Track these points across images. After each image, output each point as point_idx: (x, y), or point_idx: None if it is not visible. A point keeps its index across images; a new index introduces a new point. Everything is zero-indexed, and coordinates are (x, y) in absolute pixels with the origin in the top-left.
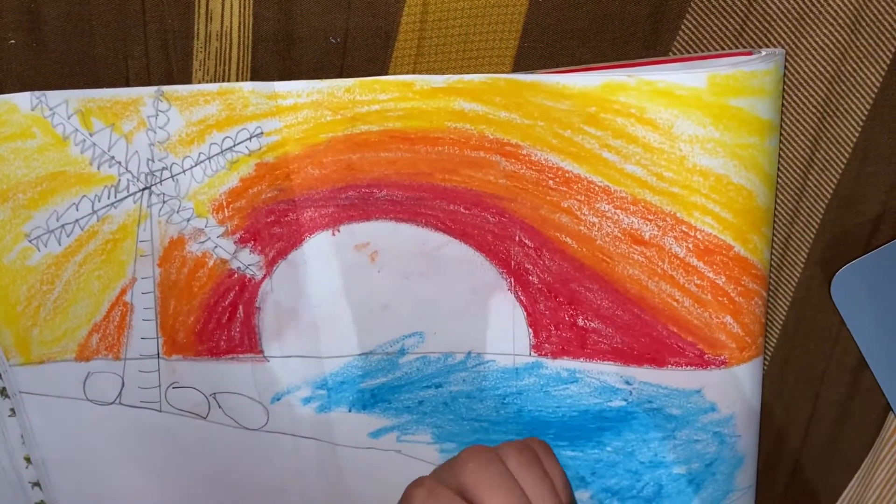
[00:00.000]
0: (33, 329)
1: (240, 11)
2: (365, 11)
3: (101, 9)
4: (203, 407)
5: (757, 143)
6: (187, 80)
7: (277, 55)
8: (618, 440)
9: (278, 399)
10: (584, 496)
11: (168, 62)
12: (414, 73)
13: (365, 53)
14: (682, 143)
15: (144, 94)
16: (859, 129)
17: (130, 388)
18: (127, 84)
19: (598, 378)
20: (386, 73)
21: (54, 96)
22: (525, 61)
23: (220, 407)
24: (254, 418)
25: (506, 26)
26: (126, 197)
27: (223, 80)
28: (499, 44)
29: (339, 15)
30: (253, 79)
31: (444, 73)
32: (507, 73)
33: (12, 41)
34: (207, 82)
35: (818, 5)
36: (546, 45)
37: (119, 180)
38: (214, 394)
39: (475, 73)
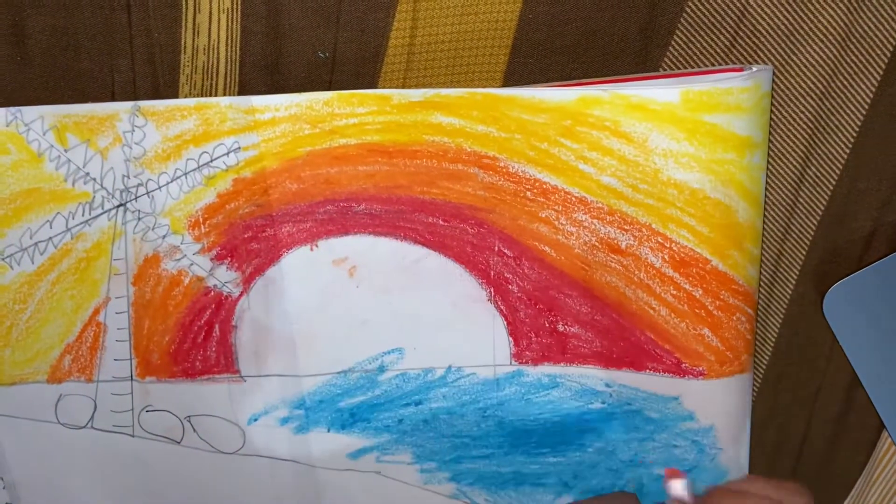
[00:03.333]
0: (5, 349)
1: (227, 26)
2: (354, 27)
3: (86, 22)
4: (177, 431)
5: (735, 159)
6: (174, 94)
7: (265, 70)
8: (599, 441)
9: (255, 420)
10: (567, 500)
11: (155, 76)
12: (403, 88)
13: (353, 69)
14: (656, 156)
15: (120, 109)
16: (850, 145)
17: (103, 412)
18: (112, 98)
19: (578, 381)
20: (375, 88)
21: (30, 112)
22: (515, 77)
23: (194, 430)
24: (230, 441)
25: (495, 42)
26: (100, 214)
27: (211, 95)
28: (488, 59)
29: (328, 30)
30: (241, 93)
31: (433, 89)
32: (496, 86)
33: None
34: (195, 95)
35: (808, 22)
36: (536, 61)
37: (94, 197)
38: (189, 416)
39: (466, 87)
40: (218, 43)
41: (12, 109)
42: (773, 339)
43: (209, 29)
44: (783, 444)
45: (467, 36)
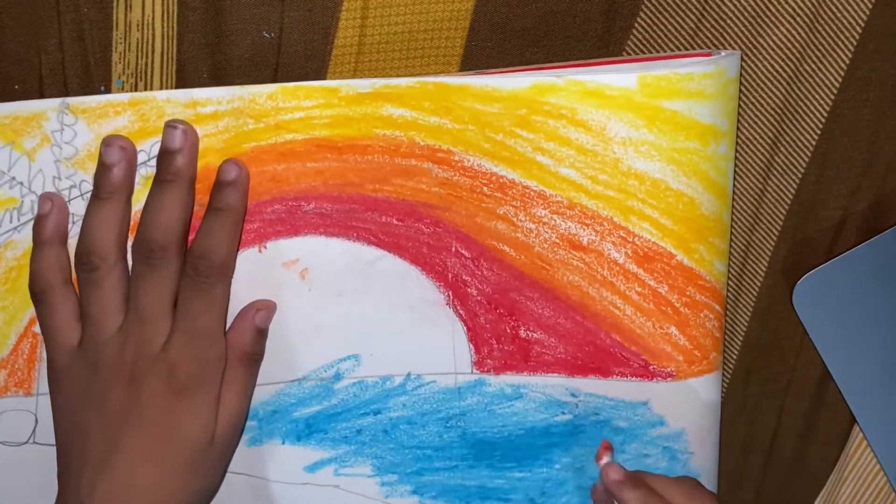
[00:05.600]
0: None
1: (162, 1)
2: (301, 5)
3: (9, 0)
4: None
5: (698, 148)
6: (107, 74)
7: (206, 48)
8: (566, 456)
9: None
10: None
11: (85, 55)
12: (355, 71)
13: (302, 49)
14: (615, 144)
15: (48, 107)
16: (819, 131)
17: (45, 425)
18: (40, 81)
19: (542, 392)
20: (325, 71)
21: None
22: (473, 62)
23: None
24: None
25: (452, 24)
26: (31, 219)
27: (147, 74)
28: (445, 42)
29: (273, 7)
30: (180, 73)
31: (387, 73)
32: (456, 72)
33: None
34: (129, 76)
35: (775, 3)
36: (494, 45)
37: (22, 202)
38: None
39: (421, 73)
40: (153, 18)
41: None
42: (743, 334)
43: (142, 3)
44: (754, 441)
45: (423, 18)
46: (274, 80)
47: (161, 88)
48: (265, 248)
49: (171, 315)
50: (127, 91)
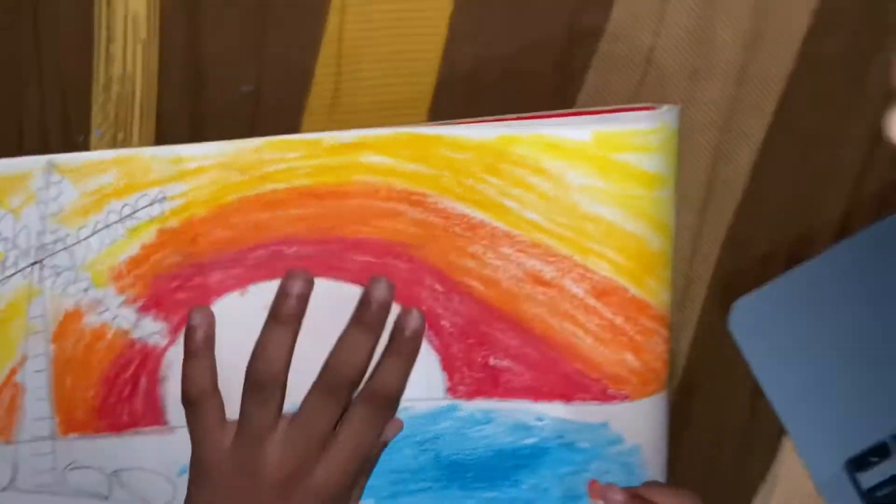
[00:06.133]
0: None
1: (143, 57)
2: (278, 61)
3: None
4: (104, 486)
5: (644, 194)
6: (86, 124)
7: (185, 101)
8: (532, 477)
9: (186, 472)
10: None
11: (65, 107)
12: (329, 121)
13: (279, 101)
14: (573, 191)
15: (33, 167)
16: (748, 173)
17: (25, 473)
18: (20, 133)
19: (511, 416)
20: (300, 121)
21: None
22: (440, 114)
23: (122, 486)
24: (160, 494)
25: (420, 79)
26: (14, 273)
27: (127, 125)
28: (415, 95)
29: (252, 63)
30: (159, 124)
31: (360, 122)
32: (425, 121)
33: None
34: (108, 126)
35: (708, 62)
36: (461, 95)
37: (6, 257)
38: (117, 471)
39: (392, 122)
40: (134, 73)
41: None
42: (686, 354)
43: (124, 58)
44: (696, 454)
45: (393, 72)
46: (251, 131)
47: (140, 139)
48: (247, 291)
49: (325, 437)
50: (106, 141)
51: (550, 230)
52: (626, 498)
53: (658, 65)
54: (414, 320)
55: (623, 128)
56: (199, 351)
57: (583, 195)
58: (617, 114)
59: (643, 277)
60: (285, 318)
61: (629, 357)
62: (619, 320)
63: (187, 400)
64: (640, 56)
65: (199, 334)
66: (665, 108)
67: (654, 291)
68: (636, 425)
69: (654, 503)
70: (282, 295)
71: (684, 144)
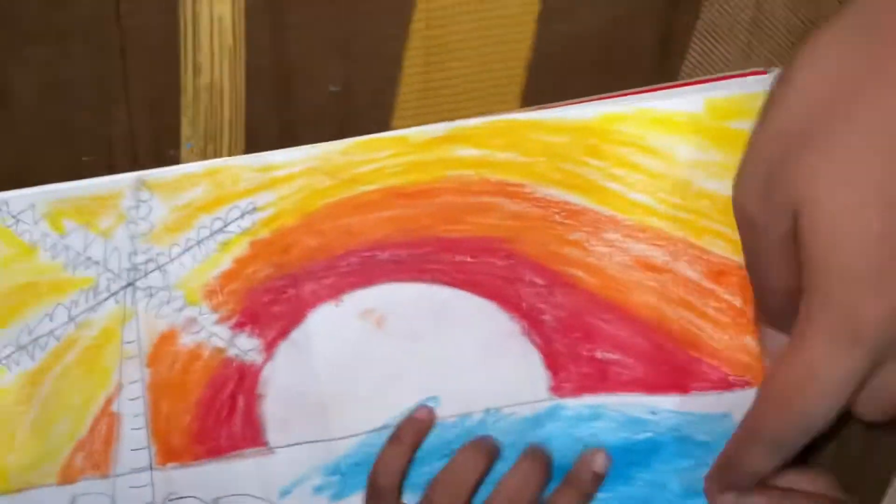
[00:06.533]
0: (8, 456)
1: (230, 63)
2: (365, 57)
3: (78, 73)
4: None
5: None
6: (176, 139)
7: (274, 107)
8: (647, 473)
9: (288, 493)
10: None
11: (153, 123)
12: (418, 115)
13: (367, 100)
14: (684, 167)
15: (123, 185)
16: None
17: None
18: (110, 151)
19: (621, 411)
20: (391, 118)
21: (18, 201)
22: (533, 97)
23: None
24: None
25: (511, 63)
26: (107, 298)
27: (217, 136)
28: (505, 80)
29: (339, 62)
30: (249, 133)
31: (450, 115)
32: (519, 108)
33: None
34: (198, 139)
35: (818, 19)
36: (553, 80)
37: (97, 281)
38: (217, 499)
39: (483, 112)
40: (222, 81)
41: None
42: None
43: (211, 68)
44: (823, 439)
45: (482, 58)
46: (341, 132)
47: (230, 149)
48: (341, 301)
49: None
50: (196, 154)
51: (660, 211)
52: (766, 501)
53: (767, 26)
54: (599, 462)
55: (738, 93)
56: (410, 444)
57: (696, 171)
58: (724, 81)
59: None
60: (406, 441)
61: (749, 340)
62: (738, 302)
63: (375, 486)
64: (746, 17)
65: (417, 427)
66: (777, 70)
67: None
68: None
69: (790, 489)
70: (408, 421)
71: None
